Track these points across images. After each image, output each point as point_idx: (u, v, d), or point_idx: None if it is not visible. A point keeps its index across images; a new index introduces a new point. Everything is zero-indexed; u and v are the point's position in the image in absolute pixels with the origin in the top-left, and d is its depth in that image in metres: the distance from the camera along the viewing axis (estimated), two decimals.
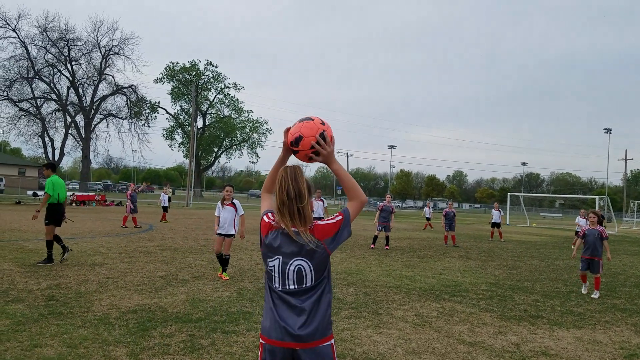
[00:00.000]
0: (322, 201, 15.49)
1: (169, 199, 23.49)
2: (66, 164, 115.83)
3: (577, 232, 14.87)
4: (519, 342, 5.50)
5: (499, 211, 20.89)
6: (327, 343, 2.39)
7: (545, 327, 6.27)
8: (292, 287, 2.41)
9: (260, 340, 2.43)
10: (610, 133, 63.79)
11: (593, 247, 8.73)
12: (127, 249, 11.63)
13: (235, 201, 8.65)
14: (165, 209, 23.19)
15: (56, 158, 58.45)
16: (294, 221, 2.42)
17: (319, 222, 2.47)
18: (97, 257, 10.29)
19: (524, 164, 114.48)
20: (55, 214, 9.39)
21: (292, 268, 2.41)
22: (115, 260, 9.88)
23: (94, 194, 41.63)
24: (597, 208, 30.84)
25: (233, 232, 8.60)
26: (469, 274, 10.54)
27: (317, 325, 2.37)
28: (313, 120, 2.52)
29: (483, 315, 6.76)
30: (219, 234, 8.56)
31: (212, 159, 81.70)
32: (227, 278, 8.43)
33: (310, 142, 2.46)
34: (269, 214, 2.55)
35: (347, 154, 79.19)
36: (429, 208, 29.05)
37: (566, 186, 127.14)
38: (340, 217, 2.47)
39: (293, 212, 2.41)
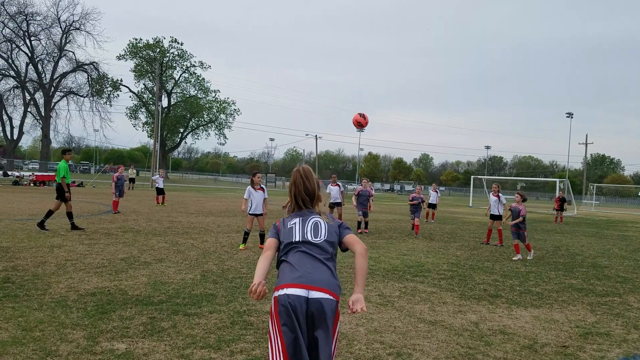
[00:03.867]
0: (338, 185, 15.57)
1: (133, 180, 22.92)
2: (25, 143, 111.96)
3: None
4: (478, 321, 5.64)
5: (436, 192, 21.31)
6: (335, 299, 2.63)
7: (504, 306, 6.44)
8: (310, 237, 2.79)
9: (275, 294, 2.62)
10: (571, 117, 65.56)
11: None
12: (87, 231, 11.35)
13: (263, 185, 10.08)
14: (160, 191, 21.45)
15: (15, 137, 56.35)
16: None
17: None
18: (56, 238, 10.00)
19: (487, 147, 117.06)
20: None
21: (310, 222, 2.86)
22: (75, 242, 9.62)
23: (53, 174, 40.38)
24: (557, 191, 31.79)
25: (262, 211, 9.92)
26: (432, 254, 10.73)
27: (330, 278, 2.68)
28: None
29: (444, 294, 6.90)
30: (251, 214, 9.85)
31: (178, 140, 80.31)
32: (244, 248, 9.86)
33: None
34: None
35: (316, 136, 78.97)
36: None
37: (528, 169, 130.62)
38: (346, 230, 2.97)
39: (307, 205, 2.94)
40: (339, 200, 15.39)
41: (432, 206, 20.77)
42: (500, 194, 13.38)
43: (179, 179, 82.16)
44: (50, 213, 11.28)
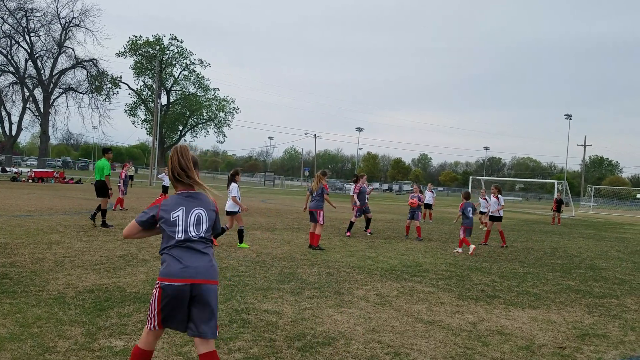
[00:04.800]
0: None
1: (132, 177, 22.88)
2: (24, 139, 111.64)
3: (482, 212, 15.01)
4: (475, 321, 5.65)
5: (432, 192, 21.36)
6: (215, 284, 3.05)
7: (502, 306, 6.45)
8: (192, 232, 3.05)
9: (160, 283, 2.93)
10: (570, 119, 65.53)
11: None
12: (85, 228, 11.34)
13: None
14: (165, 189, 21.79)
15: (13, 133, 56.24)
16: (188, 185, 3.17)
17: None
18: (54, 235, 9.99)
19: (486, 148, 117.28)
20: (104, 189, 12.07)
21: (193, 215, 3.09)
22: (73, 239, 9.61)
23: (52, 170, 40.35)
24: (555, 192, 31.83)
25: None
26: (430, 254, 10.74)
27: (209, 266, 3.03)
28: None
29: (442, 294, 6.91)
30: (232, 211, 10.06)
31: (177, 137, 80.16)
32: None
33: None
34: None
35: (315, 135, 79.01)
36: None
37: (527, 170, 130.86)
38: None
39: (183, 180, 3.14)
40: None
41: (428, 206, 20.74)
42: (499, 196, 13.45)
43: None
44: (103, 211, 11.83)
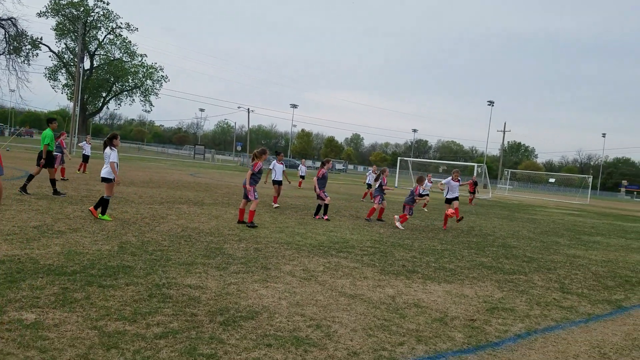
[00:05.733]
0: (282, 164, 15.23)
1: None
2: None
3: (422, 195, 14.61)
4: (394, 295, 5.89)
5: (376, 174, 21.91)
6: None
7: (420, 281, 6.76)
8: None
9: None
10: (492, 105, 68.73)
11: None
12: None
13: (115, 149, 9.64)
14: (86, 158, 20.89)
15: None
16: None
17: None
18: None
19: (414, 130, 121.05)
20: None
21: None
22: None
23: None
24: (474, 175, 33.49)
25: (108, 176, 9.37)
26: (357, 231, 11.01)
27: None
28: None
29: (365, 269, 7.12)
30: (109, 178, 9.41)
31: (100, 105, 76.07)
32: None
33: None
34: None
35: (249, 109, 77.74)
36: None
37: (450, 153, 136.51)
38: None
39: None
40: (281, 179, 15.01)
41: (370, 186, 21.45)
42: (459, 178, 14.23)
43: (100, 146, 78.22)
44: (52, 181, 12.15)
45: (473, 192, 27.03)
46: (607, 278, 8.41)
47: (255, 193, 10.29)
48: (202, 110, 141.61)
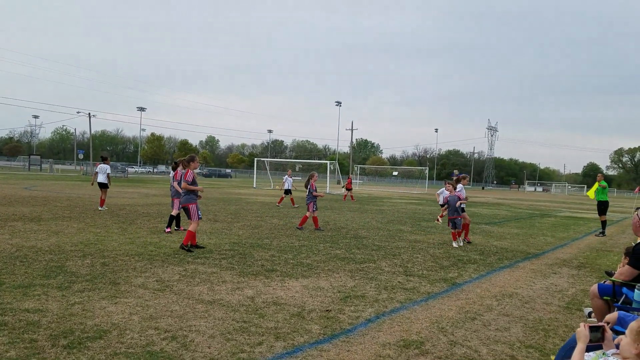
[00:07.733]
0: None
1: None
2: None
3: (442, 205, 15.21)
4: (254, 295, 5.93)
5: (292, 178, 22.56)
6: None
7: (278, 279, 6.89)
8: None
9: None
10: (340, 105, 72.41)
11: (454, 209, 11.33)
12: None
13: None
14: None
15: None
16: None
17: None
18: None
19: (270, 131, 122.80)
20: None
21: None
22: None
23: None
24: (327, 172, 35.24)
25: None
26: (215, 235, 10.83)
27: None
28: None
29: (224, 273, 7.05)
30: None
31: None
32: None
33: None
34: None
35: (89, 114, 71.80)
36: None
37: (305, 152, 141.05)
38: None
39: None
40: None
41: (288, 192, 21.73)
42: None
43: None
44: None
45: (350, 189, 30.23)
46: (443, 259, 9.41)
47: (199, 212, 9.17)
48: (36, 117, 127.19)
